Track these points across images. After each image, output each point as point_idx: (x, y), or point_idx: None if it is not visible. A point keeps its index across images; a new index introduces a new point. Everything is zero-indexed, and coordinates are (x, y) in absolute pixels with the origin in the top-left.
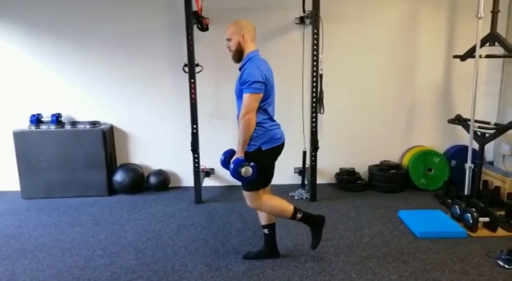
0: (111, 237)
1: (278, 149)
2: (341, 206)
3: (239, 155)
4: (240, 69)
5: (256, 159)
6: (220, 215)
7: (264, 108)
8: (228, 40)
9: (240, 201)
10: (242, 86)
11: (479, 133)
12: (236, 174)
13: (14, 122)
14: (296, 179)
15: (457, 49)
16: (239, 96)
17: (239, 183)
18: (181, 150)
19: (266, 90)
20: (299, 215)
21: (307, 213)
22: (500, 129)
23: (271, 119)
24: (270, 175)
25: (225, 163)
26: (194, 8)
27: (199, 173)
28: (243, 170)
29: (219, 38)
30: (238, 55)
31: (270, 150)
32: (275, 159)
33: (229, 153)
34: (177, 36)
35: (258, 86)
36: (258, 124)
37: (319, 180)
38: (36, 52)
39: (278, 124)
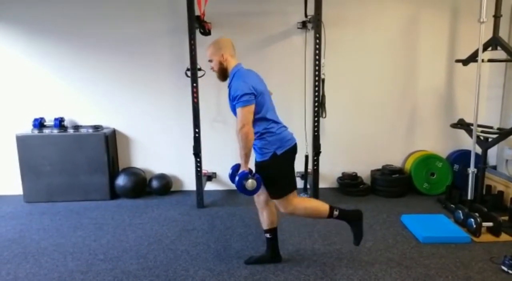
0: (113, 241)
1: (293, 150)
2: None
3: (243, 168)
4: (228, 86)
5: (274, 165)
6: (222, 220)
7: (263, 116)
8: (210, 61)
9: (242, 206)
10: (233, 102)
11: (482, 138)
12: (241, 186)
13: (17, 126)
14: (298, 183)
15: (459, 54)
16: (235, 113)
17: None
18: (183, 154)
19: (258, 99)
20: (335, 213)
21: (343, 210)
22: (503, 134)
23: (275, 122)
24: (293, 178)
25: (232, 176)
26: (197, 12)
27: (201, 177)
28: (248, 182)
29: None
30: (222, 73)
31: (285, 153)
32: (293, 161)
33: (237, 167)
34: (179, 40)
35: (247, 98)
36: (266, 131)
37: (321, 185)
38: (39, 56)
39: (285, 126)
